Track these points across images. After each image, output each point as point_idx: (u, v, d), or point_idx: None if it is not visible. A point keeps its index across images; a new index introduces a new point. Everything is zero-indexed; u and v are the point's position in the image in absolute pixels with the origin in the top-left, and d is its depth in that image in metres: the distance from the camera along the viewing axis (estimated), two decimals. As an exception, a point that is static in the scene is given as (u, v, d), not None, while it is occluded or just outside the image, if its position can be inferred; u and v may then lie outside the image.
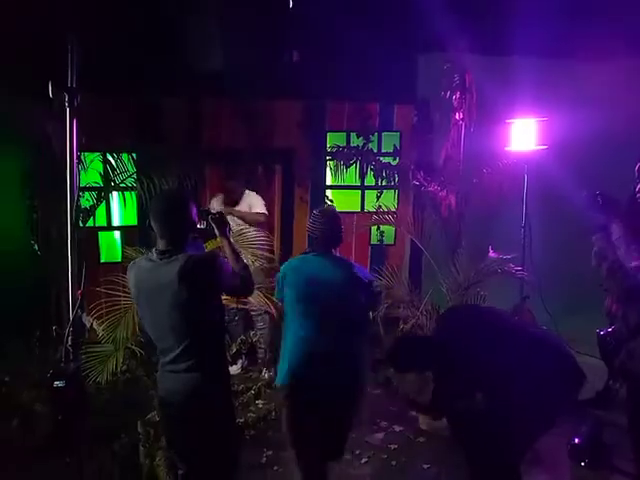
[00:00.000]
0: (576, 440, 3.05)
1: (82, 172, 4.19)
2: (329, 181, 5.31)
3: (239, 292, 2.34)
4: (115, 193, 4.47)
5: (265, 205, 4.34)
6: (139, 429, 2.68)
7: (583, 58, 5.12)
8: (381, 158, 5.03)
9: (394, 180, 4.99)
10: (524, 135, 4.30)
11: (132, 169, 4.17)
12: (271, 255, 3.92)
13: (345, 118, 5.31)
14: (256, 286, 2.50)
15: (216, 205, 4.26)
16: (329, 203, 2.88)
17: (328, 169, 5.23)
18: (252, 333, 3.56)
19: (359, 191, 5.45)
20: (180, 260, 2.00)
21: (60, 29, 2.44)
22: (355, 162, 5.02)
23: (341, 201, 5.33)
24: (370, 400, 3.68)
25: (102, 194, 4.20)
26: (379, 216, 4.45)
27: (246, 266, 2.24)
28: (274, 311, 3.35)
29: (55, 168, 3.22)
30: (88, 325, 3.02)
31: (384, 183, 5.11)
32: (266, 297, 3.19)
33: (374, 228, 5.37)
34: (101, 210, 4.66)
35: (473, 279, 3.60)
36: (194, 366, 2.05)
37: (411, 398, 2.78)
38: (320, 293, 2.33)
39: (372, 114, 5.31)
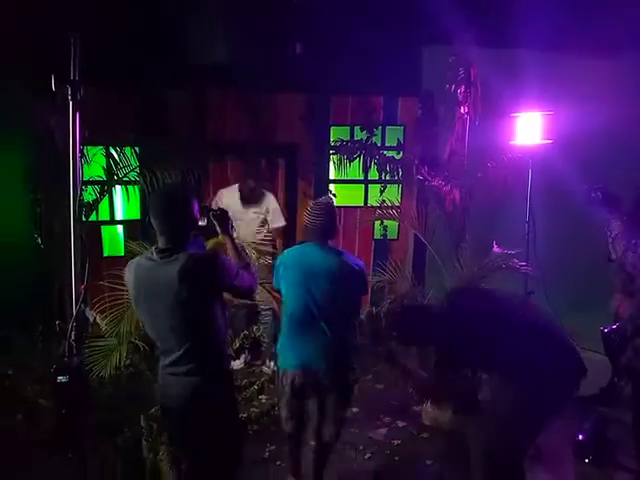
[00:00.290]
0: (580, 437, 3.04)
1: (85, 166, 4.20)
2: (332, 175, 5.28)
3: (242, 292, 2.25)
4: (118, 187, 4.48)
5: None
6: (142, 423, 2.68)
7: (589, 52, 5.07)
8: (385, 152, 4.99)
9: (398, 174, 4.97)
10: (529, 129, 4.26)
11: (135, 163, 4.16)
12: (274, 250, 3.91)
13: (349, 112, 5.27)
14: (259, 281, 2.51)
15: (227, 197, 4.19)
16: (330, 197, 2.87)
17: (331, 163, 5.20)
18: (255, 328, 3.55)
19: (362, 185, 5.42)
20: (181, 259, 1.93)
21: (62, 22, 2.42)
22: (359, 156, 4.98)
23: (344, 195, 5.32)
24: (373, 395, 3.72)
25: (105, 188, 4.20)
26: (383, 211, 4.42)
27: (249, 264, 2.19)
28: (277, 306, 3.34)
29: (58, 162, 3.20)
30: (91, 319, 3.02)
31: (388, 177, 5.08)
32: (269, 292, 3.18)
33: (377, 223, 5.35)
34: (104, 204, 4.65)
35: (477, 274, 3.58)
36: (195, 369, 2.01)
37: (408, 368, 2.78)
38: (314, 280, 2.45)
39: (376, 108, 5.27)
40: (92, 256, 2.63)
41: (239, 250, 2.24)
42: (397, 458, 3.07)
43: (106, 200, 4.71)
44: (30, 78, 2.88)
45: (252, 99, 4.84)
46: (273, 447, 3.05)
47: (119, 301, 2.88)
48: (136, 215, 4.83)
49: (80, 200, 2.66)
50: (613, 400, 3.41)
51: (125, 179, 4.17)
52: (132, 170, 4.11)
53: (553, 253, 4.54)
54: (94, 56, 2.23)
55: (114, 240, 4.92)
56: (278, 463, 2.94)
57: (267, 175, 4.94)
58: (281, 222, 4.30)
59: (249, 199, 4.13)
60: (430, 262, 4.77)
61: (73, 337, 2.00)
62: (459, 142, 4.41)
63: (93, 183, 4.18)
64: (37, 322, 3.48)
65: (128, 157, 4.13)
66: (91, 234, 4.50)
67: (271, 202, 4.27)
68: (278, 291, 2.66)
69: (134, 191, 4.29)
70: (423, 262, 5.19)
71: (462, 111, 4.36)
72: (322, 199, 2.74)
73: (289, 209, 5.08)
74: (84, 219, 4.01)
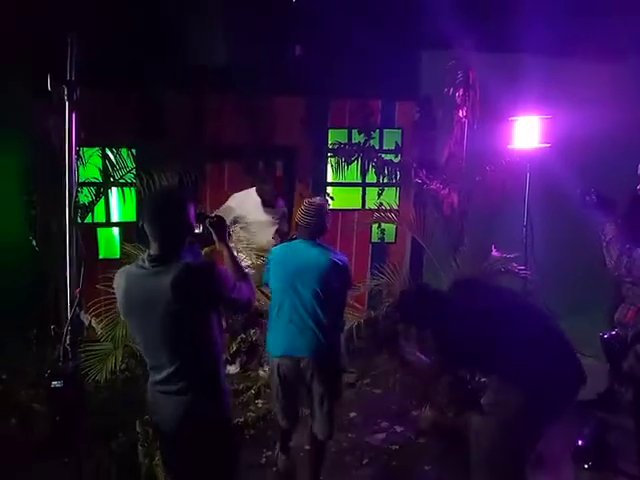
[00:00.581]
0: (580, 442, 3.03)
1: (81, 168, 4.18)
2: (330, 178, 5.27)
3: (239, 305, 2.08)
4: (114, 189, 4.45)
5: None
6: (138, 428, 2.65)
7: (587, 57, 5.07)
8: (383, 155, 4.98)
9: (396, 177, 4.96)
10: (527, 133, 4.26)
11: (131, 165, 4.13)
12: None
13: (347, 115, 5.26)
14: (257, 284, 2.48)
15: (245, 201, 4.14)
16: (325, 197, 2.89)
17: (329, 166, 5.19)
18: (252, 332, 3.52)
19: (360, 188, 5.40)
20: (174, 268, 1.79)
21: (60, 23, 2.39)
22: (356, 159, 4.98)
23: (342, 198, 5.30)
24: (371, 400, 3.69)
25: (101, 190, 4.17)
26: (380, 213, 4.41)
27: (247, 275, 2.07)
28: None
29: (54, 163, 3.18)
30: (86, 323, 2.98)
31: (385, 180, 5.08)
32: (268, 297, 3.15)
33: (375, 226, 5.34)
34: (100, 206, 4.62)
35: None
36: (188, 388, 1.87)
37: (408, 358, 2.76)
38: (299, 275, 2.57)
39: (374, 111, 5.26)
40: (87, 258, 2.61)
41: (237, 260, 2.13)
42: (395, 464, 3.04)
43: (102, 202, 4.68)
44: (29, 78, 2.85)
45: (250, 102, 4.82)
46: (269, 452, 3.02)
47: (114, 305, 2.84)
48: (132, 217, 4.80)
49: (76, 202, 2.64)
50: (612, 405, 3.39)
51: (121, 181, 4.14)
52: (128, 172, 4.08)
53: (551, 257, 4.53)
54: (91, 57, 2.20)
55: (110, 242, 4.89)
56: (275, 469, 2.90)
57: (265, 178, 4.92)
58: (287, 226, 4.28)
59: (271, 203, 4.09)
60: (428, 266, 4.75)
61: (68, 341, 1.98)
62: (457, 145, 4.40)
63: (89, 185, 4.15)
64: (32, 325, 3.44)
65: (124, 159, 4.10)
66: (86, 236, 4.46)
67: (283, 205, 4.27)
68: (266, 285, 2.78)
69: (130, 193, 4.25)
70: (421, 266, 5.17)
71: (460, 114, 4.35)
72: (316, 199, 2.76)
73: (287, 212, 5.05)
74: (80, 221, 3.98)
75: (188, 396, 1.88)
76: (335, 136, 5.15)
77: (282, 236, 4.13)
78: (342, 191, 5.35)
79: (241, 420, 3.06)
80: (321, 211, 2.66)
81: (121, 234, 4.82)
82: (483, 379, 2.38)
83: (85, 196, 4.11)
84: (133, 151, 4.24)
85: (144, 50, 4.34)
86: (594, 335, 3.35)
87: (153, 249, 1.87)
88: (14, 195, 4.33)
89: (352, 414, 3.40)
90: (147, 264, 1.85)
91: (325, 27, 4.52)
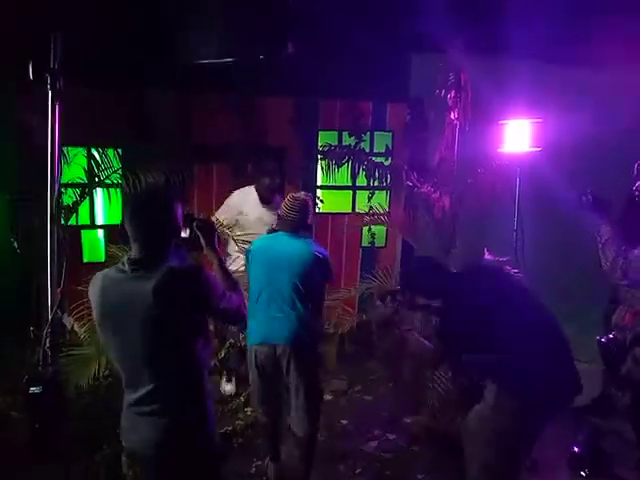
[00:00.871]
0: (575, 449, 2.98)
1: (65, 168, 4.06)
2: (320, 181, 5.20)
3: (229, 316, 1.90)
4: (100, 191, 4.33)
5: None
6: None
7: (577, 63, 5.10)
8: (373, 158, 4.93)
9: (386, 181, 4.91)
10: (517, 137, 4.24)
11: (117, 165, 4.03)
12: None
13: (337, 117, 5.22)
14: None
15: (249, 202, 4.03)
16: (308, 193, 2.85)
17: (319, 168, 5.12)
18: (242, 337, 3.41)
19: (350, 191, 5.35)
20: (157, 272, 1.62)
21: (44, 14, 2.30)
22: (347, 162, 4.92)
23: (332, 201, 5.24)
24: (362, 407, 3.61)
25: (86, 190, 4.05)
26: (372, 216, 4.35)
27: (237, 283, 1.91)
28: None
29: (38, 161, 3.08)
30: (69, 326, 2.86)
31: (376, 184, 5.01)
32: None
33: (365, 230, 5.28)
34: (85, 208, 4.50)
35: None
36: (169, 409, 1.68)
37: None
38: (278, 266, 2.58)
39: (364, 113, 5.22)
40: (71, 261, 2.52)
41: (226, 267, 1.95)
42: (388, 473, 2.96)
43: (87, 204, 4.56)
44: (10, 73, 2.75)
45: (239, 102, 4.75)
46: (259, 462, 2.92)
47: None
48: (117, 220, 4.68)
49: (59, 202, 2.52)
50: (606, 410, 3.36)
51: (107, 182, 4.02)
52: (114, 172, 3.96)
53: (541, 261, 4.50)
54: (77, 54, 2.11)
55: (94, 245, 4.75)
56: (265, 479, 2.81)
57: (265, 171, 4.83)
58: None
59: (268, 199, 3.98)
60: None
61: (48, 344, 1.87)
62: (449, 148, 4.35)
63: (73, 186, 4.02)
64: (13, 328, 3.29)
65: (110, 159, 3.99)
66: (71, 239, 4.33)
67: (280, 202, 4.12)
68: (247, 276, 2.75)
69: (116, 194, 4.13)
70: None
71: (452, 117, 4.31)
72: (300, 194, 2.76)
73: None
74: (64, 222, 3.86)
75: (170, 419, 1.69)
76: (325, 138, 5.09)
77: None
78: (332, 194, 5.28)
79: (229, 428, 2.96)
80: (304, 206, 2.68)
81: (106, 237, 4.69)
82: (479, 381, 2.31)
83: (69, 197, 3.99)
84: (119, 151, 4.14)
85: (130, 49, 4.25)
86: (586, 340, 3.32)
87: (134, 251, 1.70)
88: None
89: (344, 422, 3.31)
90: (127, 267, 1.67)
91: (316, 29, 4.46)
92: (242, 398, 3.05)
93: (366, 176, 4.90)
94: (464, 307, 2.14)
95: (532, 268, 4.18)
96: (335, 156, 4.83)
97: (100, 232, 4.76)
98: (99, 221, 4.72)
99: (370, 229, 5.35)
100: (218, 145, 4.82)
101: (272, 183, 3.97)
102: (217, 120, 4.78)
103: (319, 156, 5.06)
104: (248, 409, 3.23)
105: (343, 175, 5.06)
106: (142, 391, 1.67)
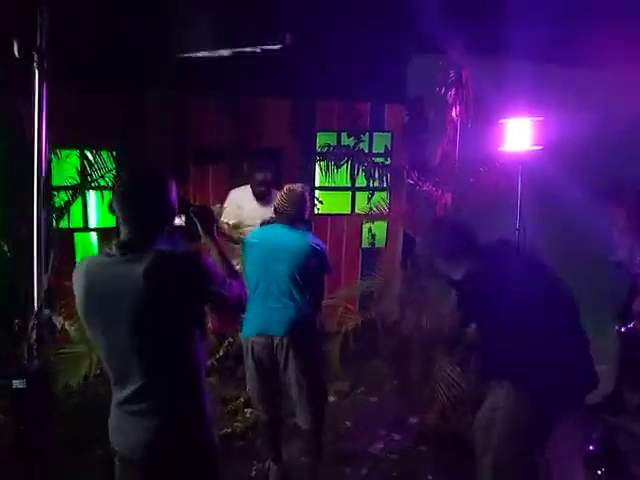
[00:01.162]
0: (590, 447, 2.86)
1: (58, 170, 3.99)
2: (318, 182, 5.12)
3: (228, 304, 1.70)
4: (93, 193, 4.24)
5: None
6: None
7: (578, 62, 5.06)
8: (372, 159, 4.86)
9: (386, 180, 4.83)
10: (518, 135, 4.18)
11: (112, 166, 3.94)
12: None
13: (335, 118, 5.16)
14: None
15: (244, 198, 3.93)
16: (304, 185, 2.74)
17: (318, 170, 5.04)
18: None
19: (349, 192, 5.27)
20: (149, 256, 1.47)
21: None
22: (346, 162, 4.85)
23: (331, 203, 5.15)
24: (366, 408, 3.48)
25: (78, 191, 3.95)
26: (372, 213, 4.28)
27: (237, 273, 1.76)
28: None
29: (27, 159, 2.98)
30: (59, 326, 2.75)
31: (376, 184, 4.93)
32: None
33: (365, 230, 5.20)
34: (77, 211, 4.40)
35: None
36: (162, 408, 1.52)
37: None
38: (275, 258, 2.51)
39: (362, 114, 5.17)
40: (63, 265, 2.40)
41: (226, 256, 1.79)
42: (395, 474, 2.83)
43: (80, 207, 4.47)
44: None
45: (236, 103, 4.68)
46: (260, 464, 2.78)
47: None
48: (111, 223, 4.55)
49: (49, 201, 2.41)
50: (619, 408, 3.24)
51: (101, 183, 3.93)
52: (108, 172, 3.87)
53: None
54: (69, 55, 2.02)
55: (87, 249, 4.65)
56: (266, 482, 2.67)
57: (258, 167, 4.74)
58: None
59: (263, 195, 3.87)
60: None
61: (34, 338, 1.76)
62: (450, 146, 4.30)
63: (65, 188, 3.93)
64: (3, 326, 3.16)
65: (104, 160, 3.90)
66: (63, 242, 4.23)
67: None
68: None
69: (109, 197, 4.03)
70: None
71: (453, 114, 4.25)
72: (297, 186, 2.65)
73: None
74: (55, 225, 3.75)
75: (159, 419, 1.52)
76: (324, 139, 5.02)
77: None
78: (331, 195, 5.20)
79: (229, 430, 2.82)
80: (301, 199, 2.61)
81: (99, 240, 4.59)
82: (496, 367, 2.19)
83: (61, 200, 3.89)
84: (113, 153, 4.05)
85: (123, 48, 4.17)
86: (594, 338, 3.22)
87: (123, 234, 1.54)
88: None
89: (348, 423, 3.18)
90: (115, 251, 1.51)
91: (313, 29, 4.42)
92: (242, 399, 2.91)
93: (365, 177, 4.85)
94: (485, 283, 2.02)
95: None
96: (334, 156, 4.77)
97: (93, 235, 4.66)
98: (92, 224, 4.62)
99: (370, 230, 5.27)
100: (214, 146, 4.74)
101: (264, 179, 3.86)
102: (213, 121, 4.70)
103: (317, 157, 5.02)
104: (248, 410, 3.10)
105: (342, 176, 4.97)
106: (131, 388, 1.51)
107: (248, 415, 3.08)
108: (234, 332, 3.16)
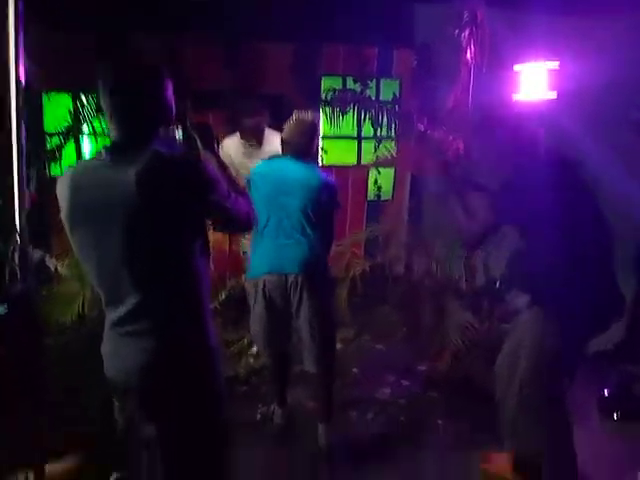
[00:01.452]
0: (605, 392, 2.76)
1: (48, 115, 3.81)
2: (323, 130, 4.90)
3: (235, 220, 1.53)
4: (87, 140, 4.06)
5: None
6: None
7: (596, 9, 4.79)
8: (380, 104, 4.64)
9: (394, 128, 4.62)
10: (534, 82, 3.96)
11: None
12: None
13: (341, 62, 4.91)
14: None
15: (232, 147, 3.74)
16: (314, 113, 2.52)
17: (322, 117, 4.82)
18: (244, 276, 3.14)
19: (355, 142, 5.06)
20: (143, 158, 1.32)
21: None
22: (352, 109, 4.64)
23: (336, 153, 4.96)
24: (372, 355, 3.38)
25: (70, 134, 3.78)
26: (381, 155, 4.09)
27: (243, 190, 1.60)
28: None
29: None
30: (52, 268, 2.62)
31: (384, 133, 4.74)
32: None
33: (371, 182, 5.03)
34: (71, 159, 4.23)
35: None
36: (160, 327, 1.39)
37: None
38: (285, 193, 2.36)
39: (370, 58, 4.91)
40: (56, 215, 2.29)
41: (230, 172, 1.64)
42: (404, 418, 2.74)
43: (74, 155, 4.29)
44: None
45: (236, 45, 4.44)
46: (265, 409, 2.70)
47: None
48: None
49: (43, 149, 2.28)
50: (631, 355, 3.14)
51: (96, 128, 3.75)
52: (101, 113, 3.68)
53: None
54: None
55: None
56: (271, 425, 2.59)
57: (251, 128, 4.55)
58: None
59: (248, 137, 3.66)
60: (427, 221, 4.45)
61: (17, 261, 1.62)
62: (464, 91, 4.09)
63: (59, 134, 3.75)
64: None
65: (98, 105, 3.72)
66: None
67: (272, 139, 3.64)
68: None
69: (104, 143, 3.85)
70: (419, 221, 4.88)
71: (467, 56, 4.02)
72: (307, 114, 2.45)
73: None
74: (47, 170, 3.60)
75: (159, 339, 1.39)
76: (328, 83, 4.78)
77: None
78: (336, 144, 5.00)
79: (232, 374, 2.72)
80: (312, 129, 2.44)
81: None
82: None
83: (54, 144, 3.72)
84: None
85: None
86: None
87: (113, 134, 1.38)
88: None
89: (354, 370, 3.09)
90: (104, 154, 1.36)
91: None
92: (245, 341, 2.80)
93: (372, 125, 4.66)
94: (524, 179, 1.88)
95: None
96: (339, 102, 4.55)
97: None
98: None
99: (376, 182, 5.09)
100: (213, 91, 4.52)
101: (255, 125, 3.65)
102: (212, 65, 4.47)
103: (322, 104, 4.79)
104: (252, 352, 2.99)
105: (348, 124, 4.78)
106: (126, 307, 1.38)
107: (252, 361, 2.98)
108: (237, 274, 3.04)
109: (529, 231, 1.98)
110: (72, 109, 3.82)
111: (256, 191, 2.44)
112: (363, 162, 4.99)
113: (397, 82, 5.04)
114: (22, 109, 1.72)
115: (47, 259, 2.64)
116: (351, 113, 4.63)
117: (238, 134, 3.78)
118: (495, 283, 3.15)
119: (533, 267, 1.98)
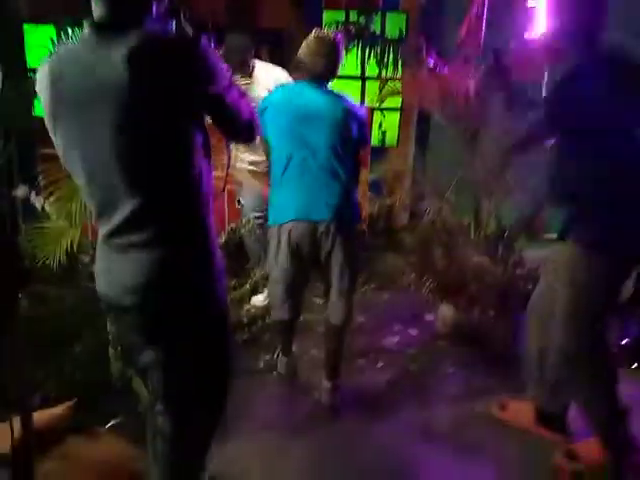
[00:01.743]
0: (624, 341, 2.67)
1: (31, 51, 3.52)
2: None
3: (237, 123, 1.35)
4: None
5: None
6: (109, 327, 2.15)
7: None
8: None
9: (401, 65, 4.34)
10: (546, 20, 3.67)
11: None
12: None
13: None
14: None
15: None
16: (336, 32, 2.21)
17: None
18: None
19: (359, 82, 4.76)
20: (133, 37, 1.14)
21: None
22: (356, 45, 4.34)
23: (338, 93, 4.69)
24: (378, 304, 3.26)
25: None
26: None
27: (245, 93, 1.40)
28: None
29: None
30: (39, 207, 2.43)
31: (389, 73, 4.46)
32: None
33: (375, 127, 4.77)
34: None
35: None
36: (157, 237, 1.24)
37: None
38: (309, 124, 2.05)
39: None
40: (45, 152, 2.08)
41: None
42: (413, 367, 2.64)
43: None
44: None
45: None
46: (267, 357, 2.59)
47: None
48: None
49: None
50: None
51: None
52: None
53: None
54: None
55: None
56: (275, 374, 2.48)
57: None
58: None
59: (242, 75, 3.32)
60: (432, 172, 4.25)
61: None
62: (478, 20, 3.81)
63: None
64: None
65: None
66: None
67: (262, 75, 3.33)
68: (265, 140, 2.19)
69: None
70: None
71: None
72: (326, 33, 2.13)
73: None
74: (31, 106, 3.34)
75: (155, 253, 1.24)
76: (330, 17, 4.46)
77: None
78: (338, 85, 4.69)
79: (233, 321, 2.59)
80: (335, 48, 2.09)
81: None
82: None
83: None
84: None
85: None
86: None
87: (99, 12, 1.19)
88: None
89: (360, 319, 2.97)
90: (88, 35, 1.18)
91: None
92: (248, 286, 2.65)
93: (377, 64, 4.38)
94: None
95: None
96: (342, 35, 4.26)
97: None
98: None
99: (380, 126, 4.84)
100: (208, 26, 4.20)
101: (239, 56, 3.29)
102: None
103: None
104: (258, 298, 2.85)
105: (351, 63, 4.49)
106: (120, 215, 1.23)
107: (253, 310, 2.84)
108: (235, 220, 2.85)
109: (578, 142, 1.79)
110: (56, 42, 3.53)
111: (273, 124, 2.12)
112: (367, 104, 4.73)
113: (404, 16, 4.71)
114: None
115: (32, 197, 2.45)
116: (354, 50, 4.38)
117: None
118: (505, 233, 3.02)
119: (579, 186, 1.80)
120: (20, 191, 2.38)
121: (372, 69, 4.53)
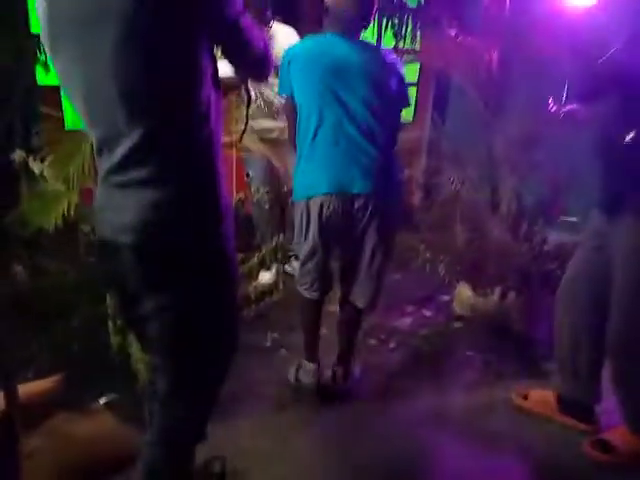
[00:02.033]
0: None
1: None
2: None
3: (250, 53, 1.24)
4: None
5: None
6: (108, 300, 2.04)
7: None
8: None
9: (419, 37, 4.14)
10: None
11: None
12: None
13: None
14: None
15: None
16: None
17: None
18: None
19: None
20: None
21: None
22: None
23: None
24: (390, 285, 3.12)
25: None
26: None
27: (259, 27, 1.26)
28: (283, 167, 2.65)
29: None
30: (38, 172, 2.31)
31: (407, 45, 4.26)
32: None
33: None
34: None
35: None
36: (161, 174, 1.14)
37: None
38: (342, 80, 1.78)
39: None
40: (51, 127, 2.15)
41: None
42: (428, 348, 2.52)
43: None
44: None
45: None
46: (276, 334, 2.48)
47: (69, 140, 2.13)
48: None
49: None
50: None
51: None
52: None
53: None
54: None
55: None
56: (283, 352, 2.37)
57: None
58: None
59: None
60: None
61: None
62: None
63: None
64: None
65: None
66: (50, 102, 3.67)
67: (280, 32, 3.03)
68: (290, 99, 1.91)
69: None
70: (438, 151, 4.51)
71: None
72: None
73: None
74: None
75: (158, 190, 1.14)
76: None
77: None
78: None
79: (241, 296, 2.47)
80: None
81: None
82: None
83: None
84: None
85: None
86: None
87: None
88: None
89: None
90: None
91: None
92: (255, 259, 2.53)
93: (395, 35, 4.19)
94: None
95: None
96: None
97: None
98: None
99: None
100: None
101: (267, 17, 3.09)
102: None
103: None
104: (265, 275, 2.73)
105: (367, 35, 4.30)
106: (121, 151, 1.13)
107: (261, 285, 2.72)
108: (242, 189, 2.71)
109: None
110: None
111: (300, 80, 1.84)
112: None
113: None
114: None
115: (31, 161, 2.33)
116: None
117: None
118: (524, 214, 2.87)
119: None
120: (17, 156, 2.26)
121: (388, 40, 4.35)
